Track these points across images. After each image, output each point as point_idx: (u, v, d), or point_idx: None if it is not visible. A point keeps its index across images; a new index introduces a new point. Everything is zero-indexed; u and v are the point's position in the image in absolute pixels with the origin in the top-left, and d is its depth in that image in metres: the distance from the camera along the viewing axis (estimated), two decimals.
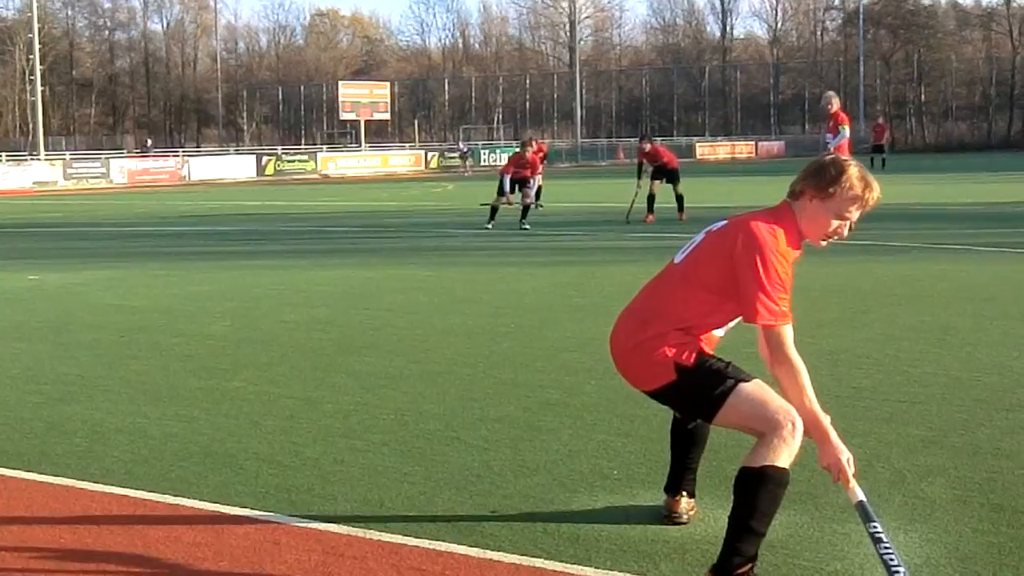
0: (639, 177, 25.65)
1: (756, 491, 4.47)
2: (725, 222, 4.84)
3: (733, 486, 4.55)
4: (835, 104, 20.86)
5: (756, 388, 4.73)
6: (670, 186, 24.96)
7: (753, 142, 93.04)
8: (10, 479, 6.27)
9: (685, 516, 5.35)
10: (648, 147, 25.51)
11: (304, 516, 5.47)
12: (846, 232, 4.82)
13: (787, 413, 4.58)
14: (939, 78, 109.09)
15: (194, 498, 5.80)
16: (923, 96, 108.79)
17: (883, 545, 4.29)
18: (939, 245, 18.27)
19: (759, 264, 4.67)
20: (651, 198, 24.47)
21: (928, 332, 10.35)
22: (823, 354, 9.30)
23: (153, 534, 5.27)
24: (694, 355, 4.75)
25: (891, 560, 4.22)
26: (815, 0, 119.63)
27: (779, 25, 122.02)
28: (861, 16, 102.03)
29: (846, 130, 20.50)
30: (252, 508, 5.61)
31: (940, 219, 24.36)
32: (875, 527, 4.36)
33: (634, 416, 7.33)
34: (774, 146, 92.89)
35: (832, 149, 20.42)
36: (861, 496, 4.52)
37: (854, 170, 4.76)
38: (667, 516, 5.37)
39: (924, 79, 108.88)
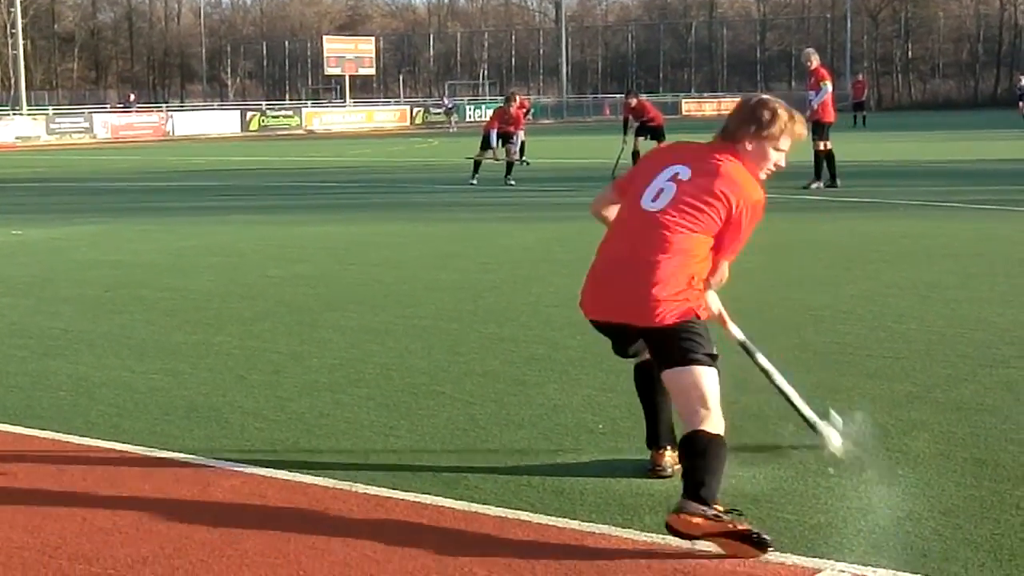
0: (624, 133, 25.55)
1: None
2: (693, 167, 5.03)
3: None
4: (814, 60, 20.88)
5: (715, 377, 4.98)
6: (655, 143, 24.86)
7: (739, 99, 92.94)
8: None
9: (669, 469, 5.36)
10: (634, 102, 25.44)
11: (290, 469, 5.48)
12: (784, 163, 5.20)
13: (718, 422, 4.88)
14: (926, 35, 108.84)
15: (180, 452, 5.81)
16: (910, 53, 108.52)
17: (775, 376, 5.26)
18: (924, 202, 18.29)
19: (755, 221, 5.07)
20: (635, 155, 24.33)
21: (912, 288, 10.38)
22: (807, 310, 9.33)
23: (139, 487, 5.28)
24: (702, 307, 5.09)
25: (788, 390, 5.26)
26: None
27: None
28: None
29: (828, 86, 20.53)
30: (238, 462, 5.62)
31: (925, 176, 24.37)
32: (760, 359, 5.29)
33: (619, 371, 7.32)
34: None
35: (816, 106, 20.44)
36: (741, 336, 5.44)
37: (781, 109, 5.17)
38: (652, 470, 5.41)
39: (911, 36, 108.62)
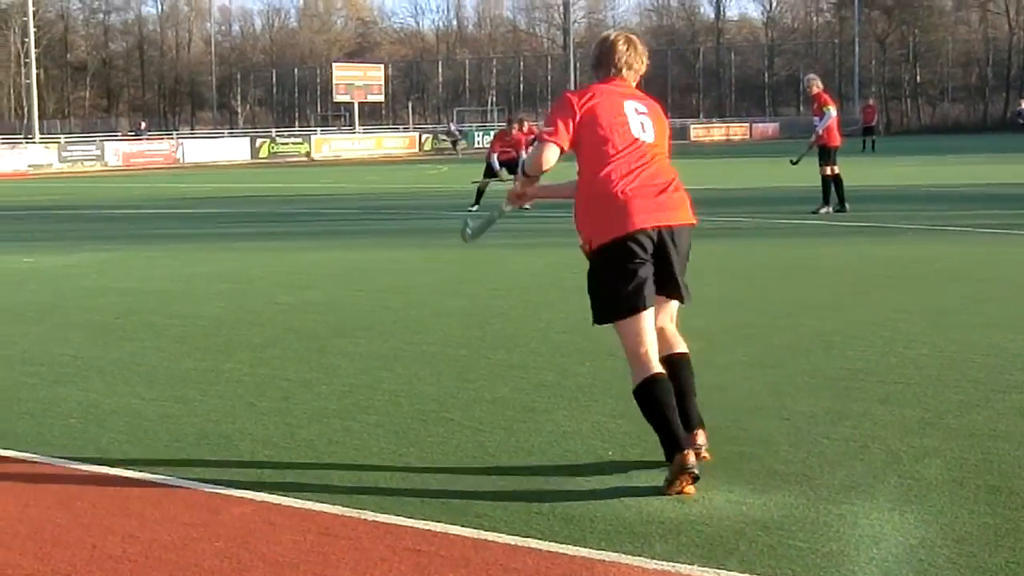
0: None
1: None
2: (636, 98, 6.05)
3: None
4: (816, 86, 20.86)
5: None
6: None
7: (747, 124, 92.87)
8: (6, 459, 6.27)
9: (704, 450, 5.76)
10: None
11: (299, 496, 5.47)
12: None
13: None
14: (935, 59, 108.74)
15: (189, 479, 5.80)
16: (918, 77, 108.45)
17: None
18: (934, 226, 18.27)
19: None
20: None
21: (922, 313, 10.35)
22: (816, 335, 9.30)
23: (149, 514, 5.27)
24: None
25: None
26: None
27: (773, 6, 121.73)
28: None
29: (832, 111, 20.55)
30: (247, 489, 5.61)
31: (934, 200, 24.35)
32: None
33: (628, 397, 7.29)
34: (768, 128, 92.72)
35: (820, 131, 20.48)
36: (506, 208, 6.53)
37: (612, 37, 6.21)
38: (683, 472, 5.39)
39: (919, 60, 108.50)
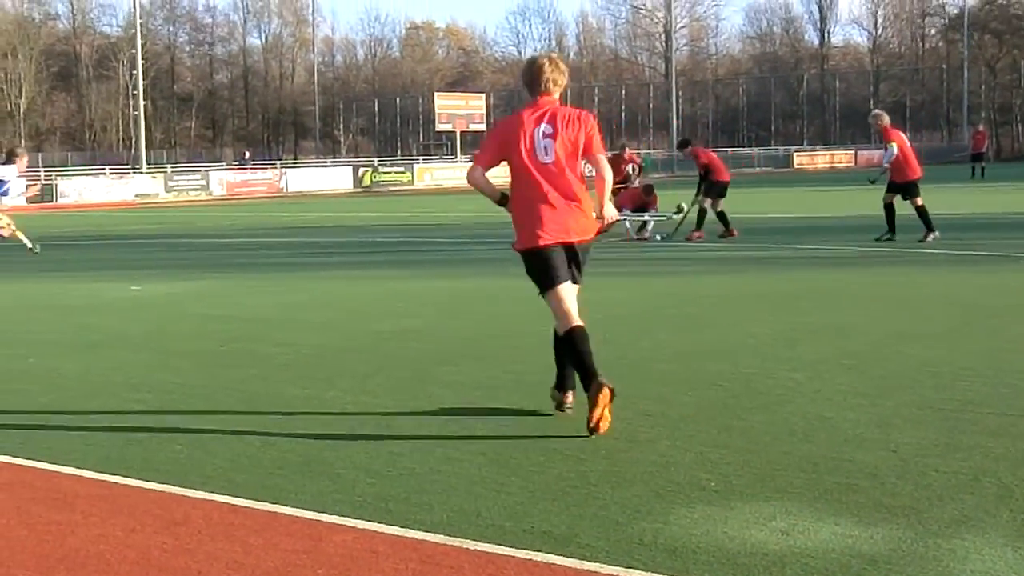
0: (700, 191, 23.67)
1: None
2: (549, 120, 7.47)
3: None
4: (883, 121, 20.68)
5: None
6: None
7: (852, 151, 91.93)
8: (114, 485, 6.35)
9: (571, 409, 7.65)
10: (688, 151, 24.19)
11: (401, 525, 5.48)
12: None
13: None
14: None
15: (292, 506, 5.83)
16: None
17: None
18: None
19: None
20: (702, 213, 22.95)
21: None
22: (923, 366, 9.16)
23: (252, 541, 5.31)
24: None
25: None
26: (916, 6, 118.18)
27: (879, 32, 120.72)
28: (966, 21, 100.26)
29: (893, 147, 20.23)
30: (349, 517, 5.63)
31: None
32: (631, 218, 9.92)
33: (731, 427, 7.27)
34: (874, 155, 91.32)
35: (887, 166, 20.29)
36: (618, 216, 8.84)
37: (539, 60, 7.66)
38: (560, 407, 7.78)
39: None
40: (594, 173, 7.58)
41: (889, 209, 20.46)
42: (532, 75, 7.55)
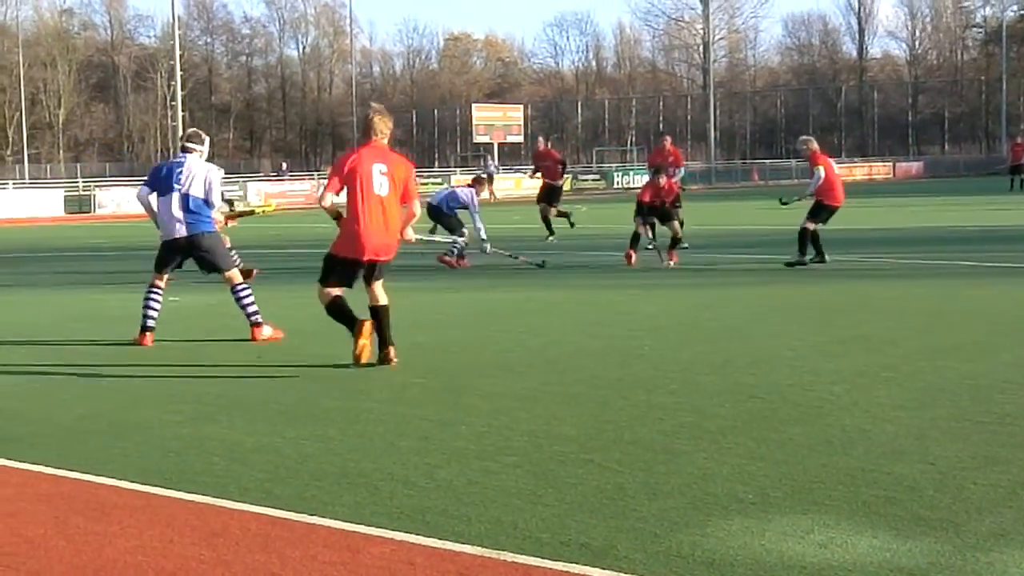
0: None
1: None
2: (383, 160, 9.95)
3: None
4: (812, 146, 20.66)
5: None
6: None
7: (891, 163, 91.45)
8: (152, 496, 6.38)
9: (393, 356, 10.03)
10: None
11: (439, 537, 5.49)
12: None
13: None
14: None
15: (329, 518, 5.84)
16: None
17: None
18: None
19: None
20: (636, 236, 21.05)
21: None
22: (961, 378, 9.11)
23: (290, 553, 5.32)
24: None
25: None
26: (955, 18, 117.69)
27: (917, 44, 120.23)
28: (1004, 33, 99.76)
29: (820, 171, 19.94)
30: (387, 528, 5.64)
31: None
32: (436, 237, 13.16)
33: (769, 439, 7.25)
34: (912, 167, 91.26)
35: (812, 191, 19.98)
36: (418, 236, 11.35)
37: (371, 114, 10.07)
38: (384, 359, 10.04)
39: None
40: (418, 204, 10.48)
41: (804, 235, 19.21)
42: (366, 125, 9.94)
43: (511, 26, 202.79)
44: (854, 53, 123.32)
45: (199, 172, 11.98)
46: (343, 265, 10.09)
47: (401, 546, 5.40)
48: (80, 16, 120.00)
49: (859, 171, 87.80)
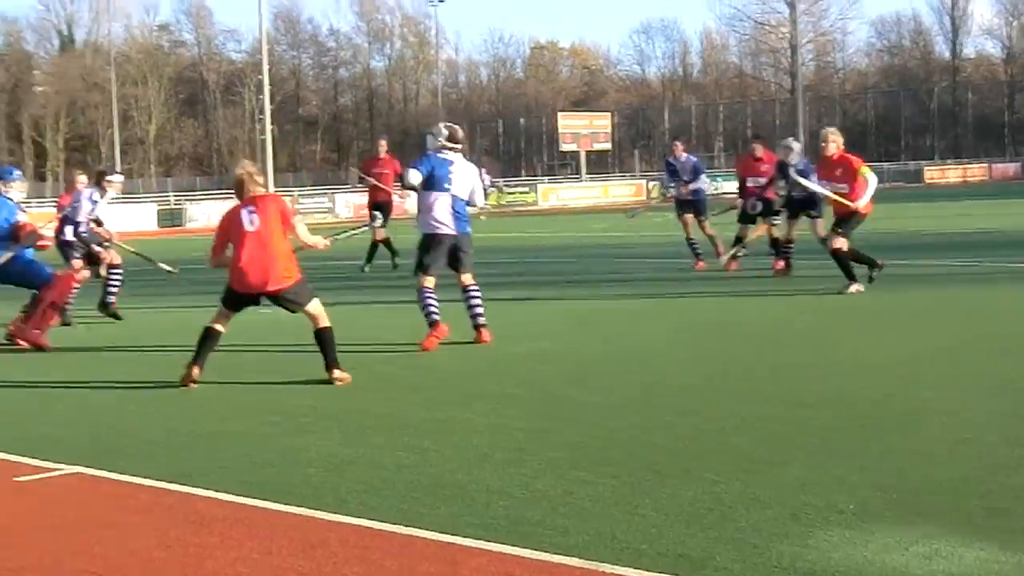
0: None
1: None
2: (251, 205, 10.47)
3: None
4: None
5: (318, 301, 10.90)
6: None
7: (986, 165, 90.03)
8: (251, 508, 6.42)
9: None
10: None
11: (536, 548, 5.46)
12: None
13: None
14: None
15: (426, 529, 5.84)
16: None
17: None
18: None
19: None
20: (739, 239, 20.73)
21: None
22: (1006, 384, 8.97)
23: (389, 564, 5.33)
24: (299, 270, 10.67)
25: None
26: None
27: (1013, 42, 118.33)
28: None
29: (872, 176, 19.08)
30: (484, 540, 5.63)
31: None
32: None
33: (868, 449, 7.15)
34: (1009, 168, 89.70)
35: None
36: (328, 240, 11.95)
37: (240, 175, 10.61)
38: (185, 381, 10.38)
39: None
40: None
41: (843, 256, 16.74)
42: (236, 186, 10.52)
43: (596, 34, 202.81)
44: (947, 53, 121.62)
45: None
46: (233, 295, 10.65)
47: (499, 557, 5.38)
48: (172, 33, 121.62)
49: (952, 173, 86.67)
